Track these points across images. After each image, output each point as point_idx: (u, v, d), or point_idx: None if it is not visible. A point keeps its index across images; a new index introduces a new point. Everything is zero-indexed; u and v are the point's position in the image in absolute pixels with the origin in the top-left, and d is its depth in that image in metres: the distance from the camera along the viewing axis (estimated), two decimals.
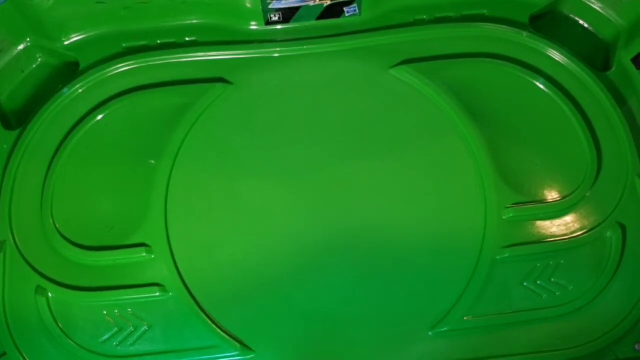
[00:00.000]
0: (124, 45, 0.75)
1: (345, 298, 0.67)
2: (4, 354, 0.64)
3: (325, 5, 0.74)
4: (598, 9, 0.77)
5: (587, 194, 0.69)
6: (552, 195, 0.69)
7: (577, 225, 0.69)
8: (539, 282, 0.67)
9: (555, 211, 0.69)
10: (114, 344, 0.65)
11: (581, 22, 0.79)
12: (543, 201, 0.69)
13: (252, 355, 0.65)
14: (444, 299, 0.66)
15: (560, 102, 0.73)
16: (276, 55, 0.75)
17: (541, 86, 0.74)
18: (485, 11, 0.77)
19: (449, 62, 0.74)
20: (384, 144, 0.71)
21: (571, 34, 0.78)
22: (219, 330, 0.65)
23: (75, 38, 0.75)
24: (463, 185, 0.70)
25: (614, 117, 0.72)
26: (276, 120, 0.72)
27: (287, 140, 0.71)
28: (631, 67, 0.73)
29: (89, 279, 0.66)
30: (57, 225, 0.67)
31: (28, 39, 0.74)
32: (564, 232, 0.68)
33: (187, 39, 0.75)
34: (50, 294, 0.65)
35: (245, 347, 0.65)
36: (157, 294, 0.65)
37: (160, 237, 0.67)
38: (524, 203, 0.69)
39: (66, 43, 0.74)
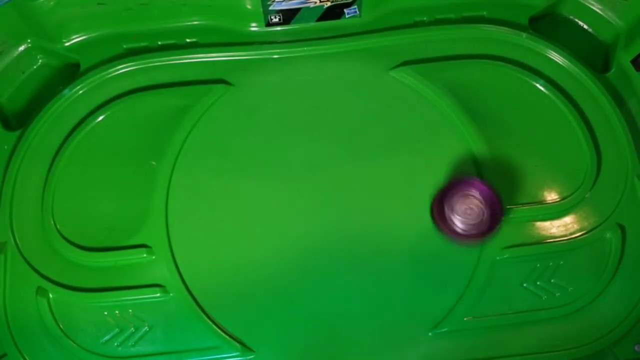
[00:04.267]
0: (124, 46, 0.75)
1: (345, 298, 0.67)
2: (5, 354, 0.64)
3: (326, 6, 0.74)
4: (597, 10, 0.77)
5: (587, 195, 0.70)
6: (551, 196, 0.70)
7: (576, 226, 0.69)
8: (538, 283, 0.67)
9: (555, 212, 0.69)
10: (115, 344, 0.65)
11: (580, 23, 0.79)
12: (542, 202, 0.69)
13: (252, 356, 0.65)
14: (444, 300, 0.66)
15: (559, 104, 0.73)
16: (276, 56, 0.75)
17: (541, 87, 0.74)
18: (484, 13, 0.77)
19: (449, 63, 0.75)
20: (384, 146, 0.71)
21: (571, 35, 0.79)
22: (219, 331, 0.65)
23: (76, 39, 0.75)
24: None
25: (613, 118, 0.72)
26: (277, 122, 0.72)
27: (287, 141, 0.71)
28: (630, 69, 0.73)
29: (90, 280, 0.66)
30: (58, 226, 0.67)
31: (29, 41, 0.74)
32: (564, 233, 0.69)
33: (187, 40, 0.75)
34: (51, 295, 0.66)
35: (245, 347, 0.65)
36: (158, 294, 0.65)
37: (161, 238, 0.67)
38: (523, 204, 0.69)
39: (67, 44, 0.75)
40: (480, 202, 0.63)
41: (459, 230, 0.64)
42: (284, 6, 0.74)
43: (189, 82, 0.73)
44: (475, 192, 0.64)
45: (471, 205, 0.63)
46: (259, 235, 0.68)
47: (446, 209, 0.64)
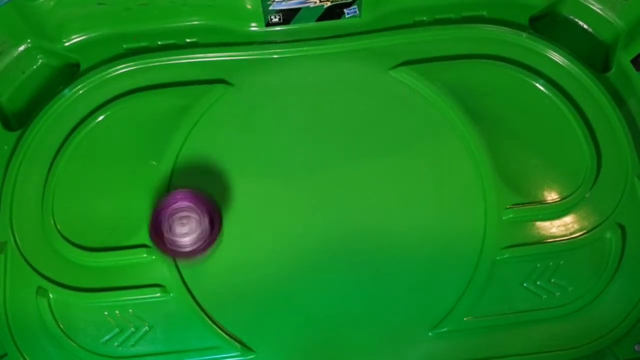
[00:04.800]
0: (124, 46, 0.75)
1: (345, 298, 0.67)
2: (5, 354, 0.64)
3: (326, 6, 0.74)
4: (597, 10, 0.77)
5: (587, 195, 0.70)
6: (551, 196, 0.70)
7: (576, 226, 0.69)
8: (538, 283, 0.67)
9: (555, 212, 0.69)
10: (115, 344, 0.65)
11: (581, 23, 0.79)
12: (543, 202, 0.69)
13: (252, 356, 0.65)
14: (444, 300, 0.67)
15: (559, 103, 0.73)
16: (276, 56, 0.75)
17: (540, 87, 0.74)
18: (484, 12, 0.77)
19: (449, 63, 0.75)
20: (384, 146, 0.71)
21: (571, 35, 0.79)
22: (219, 331, 0.65)
23: (76, 39, 0.75)
24: (463, 186, 0.70)
25: (613, 118, 0.73)
26: (276, 122, 0.72)
27: (287, 141, 0.72)
28: (630, 68, 0.73)
29: (90, 280, 0.66)
30: (58, 226, 0.67)
31: (29, 41, 0.74)
32: (564, 233, 0.69)
33: (187, 40, 0.75)
34: (51, 295, 0.66)
35: (245, 347, 0.65)
36: (158, 294, 0.65)
37: None
38: (523, 204, 0.69)
39: (67, 44, 0.75)
40: (189, 210, 0.62)
41: (200, 244, 0.63)
42: (284, 6, 0.74)
43: (189, 82, 0.73)
44: (181, 212, 0.62)
45: (183, 221, 0.62)
46: (259, 235, 0.68)
47: (171, 241, 0.63)
